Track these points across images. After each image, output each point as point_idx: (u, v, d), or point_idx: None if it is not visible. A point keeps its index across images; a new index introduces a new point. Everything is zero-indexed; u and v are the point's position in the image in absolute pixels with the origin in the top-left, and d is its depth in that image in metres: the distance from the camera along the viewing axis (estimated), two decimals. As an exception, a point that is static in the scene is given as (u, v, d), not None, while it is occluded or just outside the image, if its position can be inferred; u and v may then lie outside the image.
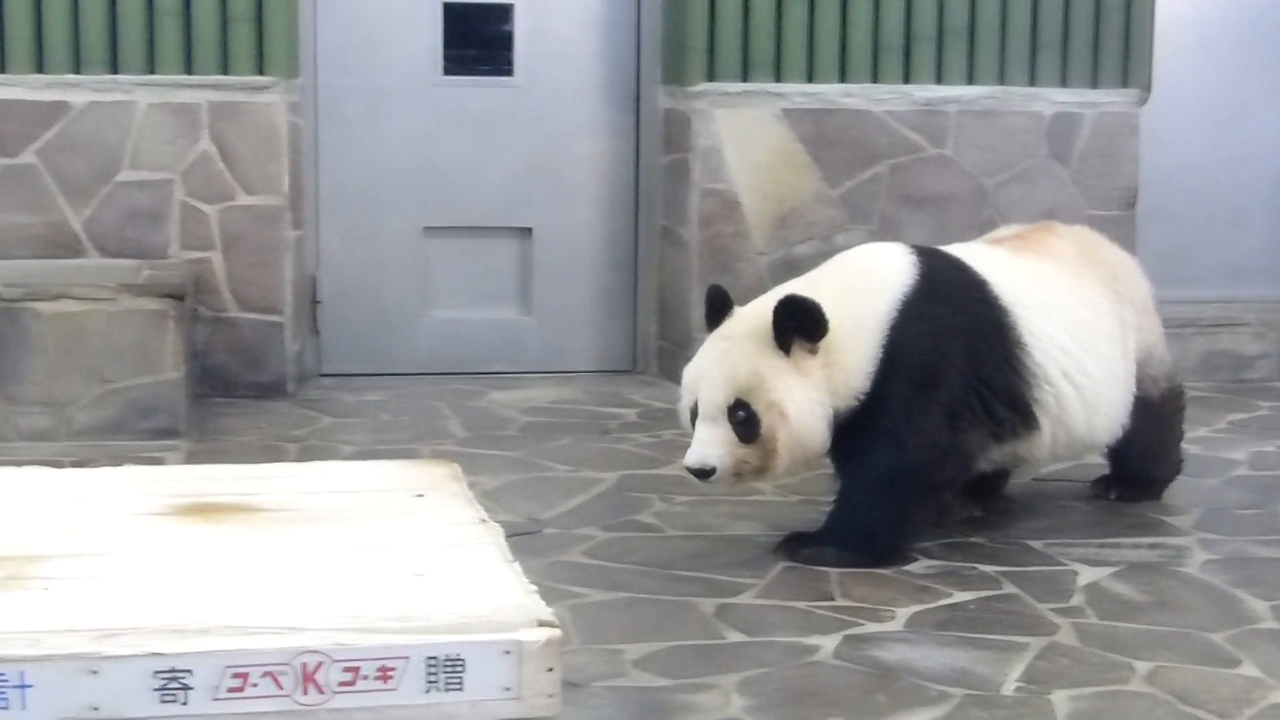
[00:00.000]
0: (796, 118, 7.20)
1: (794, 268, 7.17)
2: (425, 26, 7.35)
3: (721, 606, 4.33)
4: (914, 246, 4.81)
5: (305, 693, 3.11)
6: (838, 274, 4.66)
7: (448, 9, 7.36)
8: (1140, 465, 5.30)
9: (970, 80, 7.34)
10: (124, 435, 6.02)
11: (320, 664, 3.09)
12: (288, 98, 6.83)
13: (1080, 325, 4.84)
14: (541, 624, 3.21)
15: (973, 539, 4.98)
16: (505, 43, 7.42)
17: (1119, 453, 5.20)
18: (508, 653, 3.17)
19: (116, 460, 5.52)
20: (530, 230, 7.48)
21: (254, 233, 6.81)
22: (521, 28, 7.41)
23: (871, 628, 4.20)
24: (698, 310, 7.10)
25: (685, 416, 4.53)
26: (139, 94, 6.69)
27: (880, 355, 4.48)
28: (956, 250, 4.94)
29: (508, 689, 3.18)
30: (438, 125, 7.38)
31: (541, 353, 7.54)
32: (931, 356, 4.55)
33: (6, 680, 3.02)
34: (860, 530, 4.61)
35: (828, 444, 4.49)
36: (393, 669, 3.13)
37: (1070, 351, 4.78)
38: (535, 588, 3.42)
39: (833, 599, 4.42)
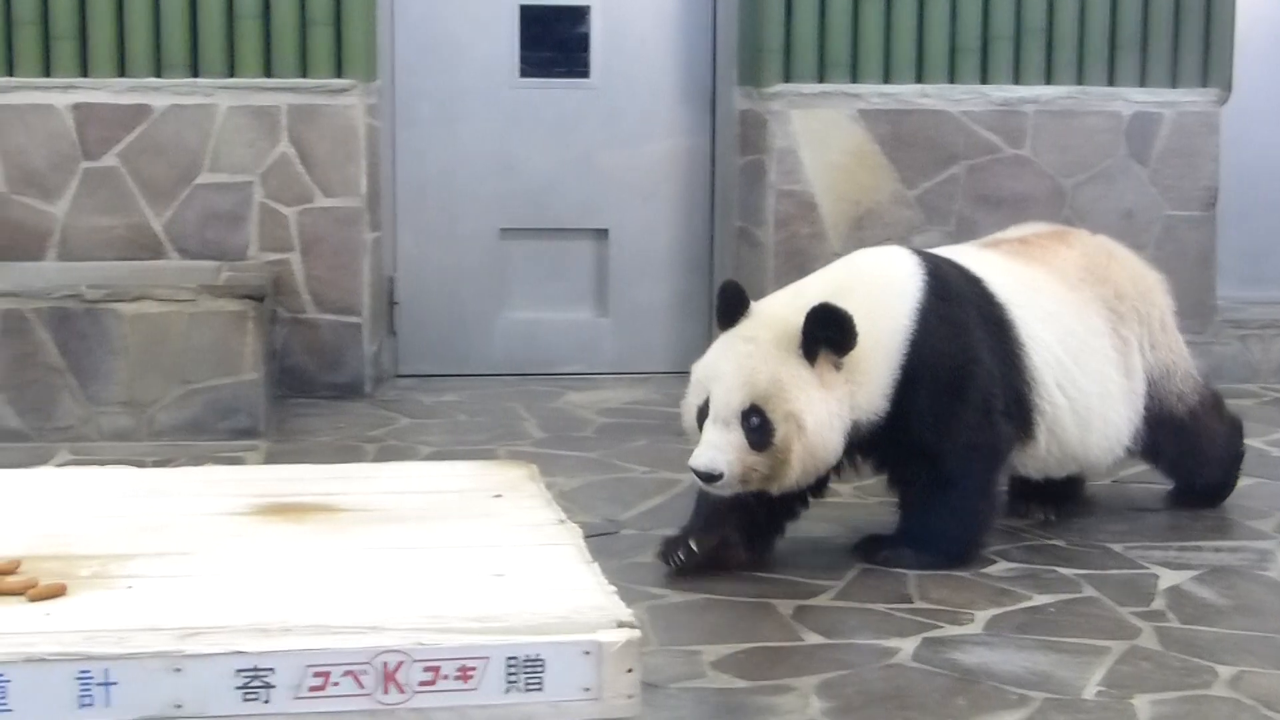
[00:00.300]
0: (873, 118, 7.17)
1: (870, 269, 7.16)
2: (502, 28, 7.37)
3: (799, 608, 4.32)
4: (914, 249, 4.74)
5: (386, 692, 3.12)
6: (854, 282, 4.53)
7: (524, 11, 7.38)
8: (1188, 478, 5.24)
9: (1048, 80, 7.30)
10: (204, 435, 6.08)
11: (401, 663, 3.11)
12: (366, 100, 6.87)
13: (1072, 338, 4.75)
14: (621, 625, 3.21)
15: (1052, 542, 4.95)
16: (581, 44, 7.44)
17: (1168, 472, 5.24)
18: (587, 653, 3.17)
19: (197, 460, 5.58)
20: (606, 231, 7.49)
21: (332, 234, 6.85)
22: (597, 29, 7.42)
23: (951, 630, 4.18)
24: (774, 311, 7.11)
25: (690, 414, 4.40)
26: (219, 97, 6.75)
27: (903, 366, 4.40)
28: (948, 251, 4.88)
29: (587, 689, 3.19)
30: (514, 127, 7.40)
31: (617, 354, 7.55)
32: (958, 359, 4.48)
33: (91, 677, 3.04)
34: (935, 533, 4.59)
35: (839, 456, 4.40)
36: (473, 669, 3.14)
37: (1063, 362, 4.69)
38: (614, 588, 3.43)
39: (911, 601, 4.40)
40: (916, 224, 7.20)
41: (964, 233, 7.19)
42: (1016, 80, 7.28)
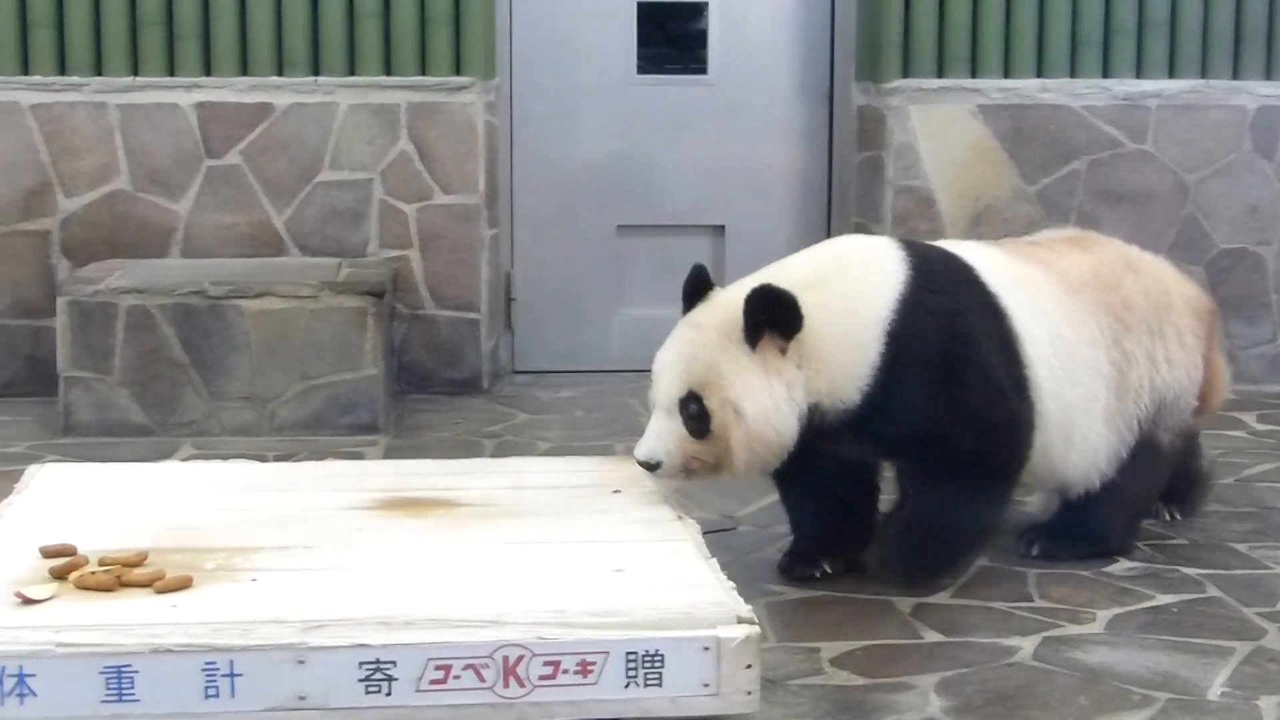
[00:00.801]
0: (993, 113, 7.12)
1: (990, 265, 7.11)
2: (619, 25, 7.38)
3: (918, 605, 4.29)
4: (902, 239, 4.50)
5: (506, 685, 3.15)
6: (833, 269, 4.26)
7: (641, 7, 7.38)
8: (1093, 515, 4.63)
9: (1171, 74, 7.20)
10: (325, 430, 6.13)
11: (521, 657, 3.13)
12: (484, 98, 6.91)
13: (1062, 342, 4.43)
14: (741, 621, 3.22)
15: (1174, 540, 4.89)
16: (699, 41, 7.43)
17: (1122, 498, 4.64)
18: (707, 649, 3.19)
19: (318, 455, 5.63)
20: (723, 228, 7.48)
21: (451, 231, 6.89)
22: (715, 25, 7.41)
23: (1072, 629, 4.14)
24: (891, 308, 7.07)
25: (651, 405, 4.23)
26: (340, 95, 6.81)
27: (882, 356, 4.14)
28: (942, 243, 4.61)
29: (706, 685, 3.20)
30: (631, 123, 7.41)
31: (734, 350, 7.51)
32: (949, 347, 4.21)
33: (216, 669, 3.09)
34: (956, 544, 4.39)
35: (791, 447, 4.11)
36: (593, 664, 3.16)
37: (1052, 366, 4.39)
38: (733, 584, 3.44)
39: (1031, 600, 4.36)
40: (1036, 220, 7.13)
41: (1086, 229, 7.11)
42: (1139, 74, 7.19)
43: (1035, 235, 5.15)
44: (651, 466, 4.08)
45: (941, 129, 7.10)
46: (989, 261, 4.46)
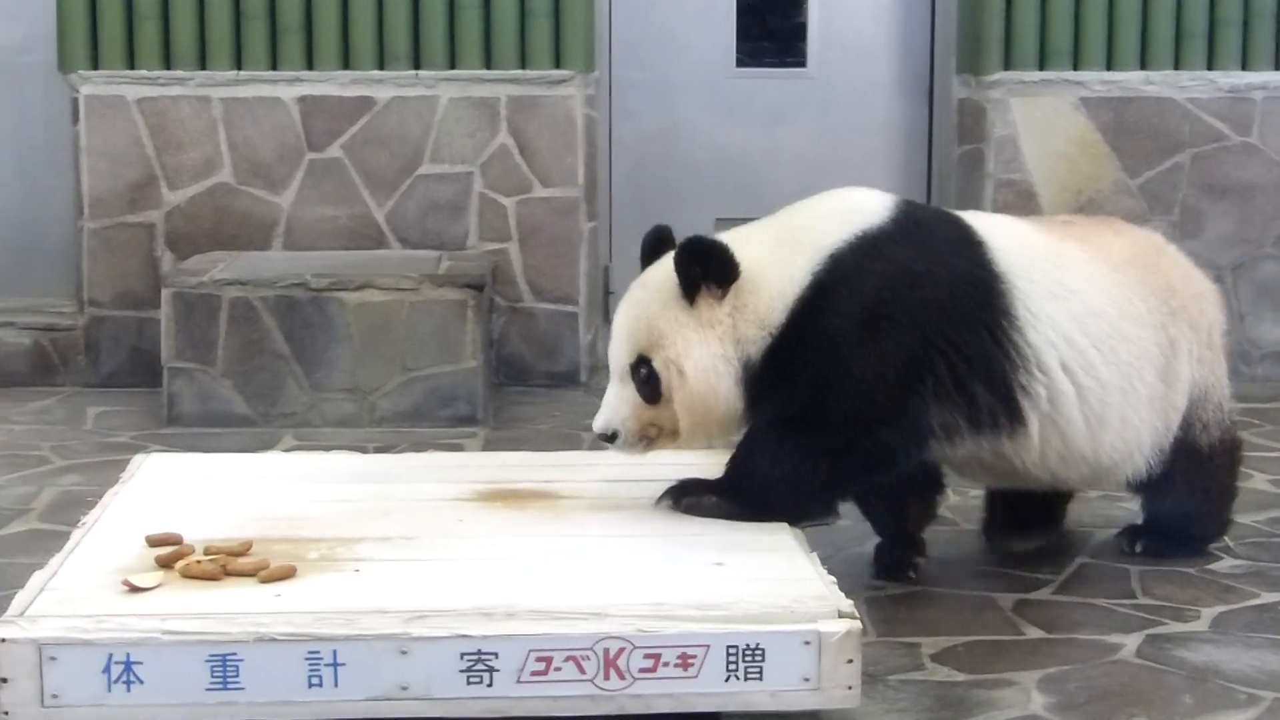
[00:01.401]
0: (1095, 106, 7.05)
1: (1091, 259, 7.04)
2: (719, 19, 7.37)
3: (1020, 602, 4.26)
4: (904, 199, 4.20)
5: (607, 677, 3.15)
6: (793, 212, 4.11)
7: (741, 1, 7.37)
8: (1178, 521, 4.53)
9: (1277, 65, 7.10)
10: (424, 422, 6.17)
11: (622, 650, 3.13)
12: (584, 91, 6.92)
13: (1098, 319, 4.19)
14: (842, 615, 3.21)
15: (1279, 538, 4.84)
16: (798, 34, 7.41)
17: (1153, 501, 4.52)
18: (808, 643, 3.17)
19: (417, 446, 5.66)
20: (822, 221, 7.45)
21: (550, 224, 6.91)
22: (814, 19, 7.39)
23: (1176, 627, 4.09)
24: (992, 302, 7.02)
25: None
26: (440, 89, 6.84)
27: (808, 284, 3.89)
28: (966, 213, 4.37)
29: (807, 679, 3.19)
30: (730, 117, 7.40)
31: (832, 344, 7.49)
32: (884, 297, 3.92)
33: (320, 658, 3.11)
34: (753, 477, 3.95)
35: (738, 405, 3.91)
36: (693, 657, 3.15)
37: (1077, 344, 4.13)
38: (834, 579, 3.43)
39: (1135, 597, 4.31)
40: (1139, 214, 7.06)
41: (1189, 223, 7.05)
42: (1244, 65, 7.10)
43: (1067, 216, 5.01)
44: (608, 438, 3.92)
45: (1043, 122, 7.04)
46: (1010, 239, 4.20)
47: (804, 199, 4.21)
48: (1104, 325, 4.21)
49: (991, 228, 4.22)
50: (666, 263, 3.93)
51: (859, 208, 4.05)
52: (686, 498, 3.95)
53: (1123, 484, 4.41)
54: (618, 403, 3.91)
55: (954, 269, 4.04)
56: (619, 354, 3.93)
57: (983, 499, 4.76)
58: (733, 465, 3.99)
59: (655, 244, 4.08)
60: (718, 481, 3.98)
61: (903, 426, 3.98)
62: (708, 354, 3.84)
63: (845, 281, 3.91)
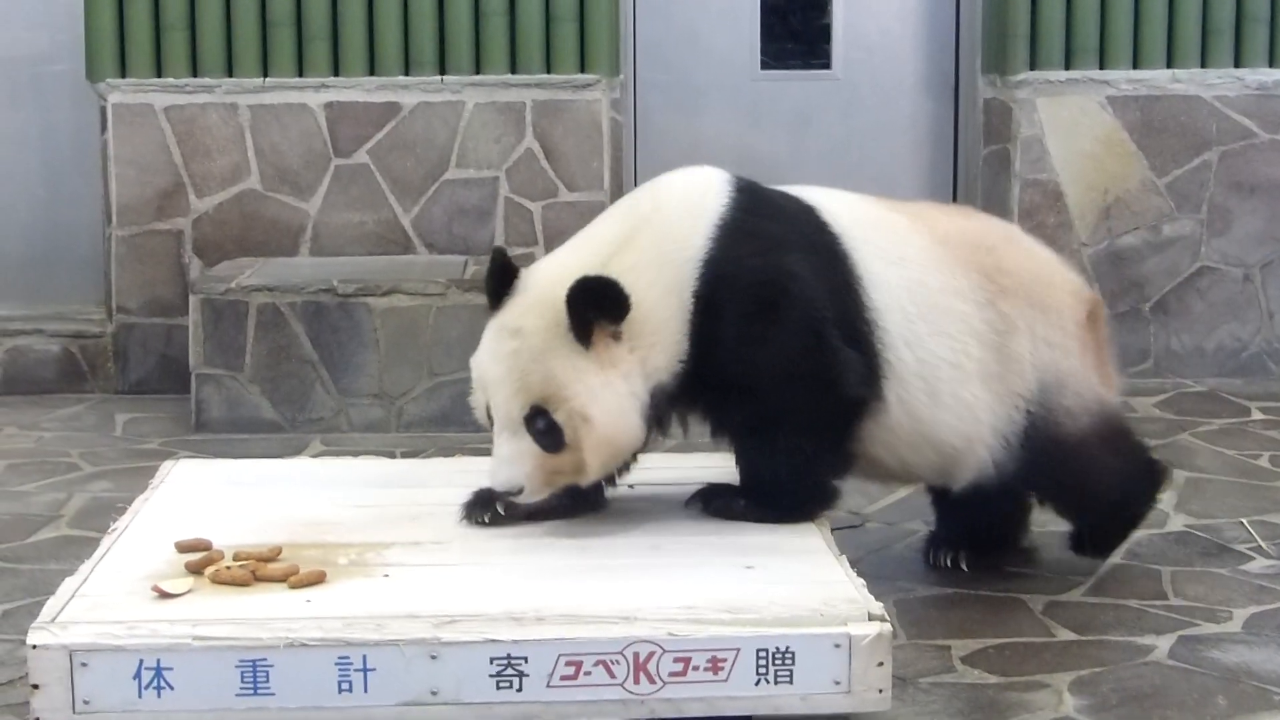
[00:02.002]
0: (1122, 105, 7.03)
1: (1119, 260, 7.03)
2: (743, 21, 7.37)
3: (1050, 603, 4.25)
4: (731, 175, 4.00)
5: (637, 682, 3.15)
6: (640, 227, 3.85)
7: (765, 3, 7.37)
8: (1072, 516, 4.42)
9: (1306, 63, 7.09)
10: (452, 427, 6.16)
11: (652, 654, 3.13)
12: (609, 95, 6.92)
13: (923, 290, 4.04)
14: (872, 618, 3.20)
15: (1313, 538, 4.81)
16: (823, 35, 7.40)
17: (1053, 507, 4.42)
18: (838, 646, 3.17)
19: (445, 451, 5.67)
20: (848, 223, 7.44)
21: (576, 228, 6.87)
22: (839, 20, 7.38)
23: (1208, 628, 4.07)
24: (1019, 303, 7.00)
25: (479, 412, 3.86)
26: (466, 94, 6.85)
27: (696, 296, 3.77)
28: (788, 187, 4.18)
29: (838, 682, 3.18)
30: (755, 119, 7.40)
31: (859, 346, 7.48)
32: (768, 274, 3.82)
33: (350, 663, 3.12)
34: (766, 483, 3.89)
35: (644, 434, 3.78)
36: (724, 660, 3.15)
37: (909, 313, 3.98)
38: (864, 581, 3.42)
39: (1166, 598, 4.30)
40: (1166, 213, 7.04)
41: (1216, 221, 7.02)
42: (1272, 63, 7.07)
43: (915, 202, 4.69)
44: (514, 494, 3.71)
45: (1069, 121, 7.02)
46: (840, 204, 4.09)
47: (630, 196, 4.05)
48: (928, 296, 4.04)
49: (819, 196, 4.10)
50: (538, 302, 3.73)
51: (707, 198, 3.88)
52: (716, 501, 3.93)
53: (970, 476, 4.15)
54: (517, 456, 3.67)
55: (806, 235, 3.94)
56: (508, 408, 3.69)
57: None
58: (749, 471, 3.95)
59: (500, 272, 3.85)
60: (743, 485, 3.94)
61: (844, 377, 3.89)
62: (614, 397, 3.67)
63: (730, 286, 3.80)
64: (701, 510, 3.91)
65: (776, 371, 3.83)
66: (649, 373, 3.74)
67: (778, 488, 3.87)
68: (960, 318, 4.07)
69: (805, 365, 3.85)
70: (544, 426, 3.65)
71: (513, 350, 3.69)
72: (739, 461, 3.96)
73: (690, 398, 3.87)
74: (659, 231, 3.81)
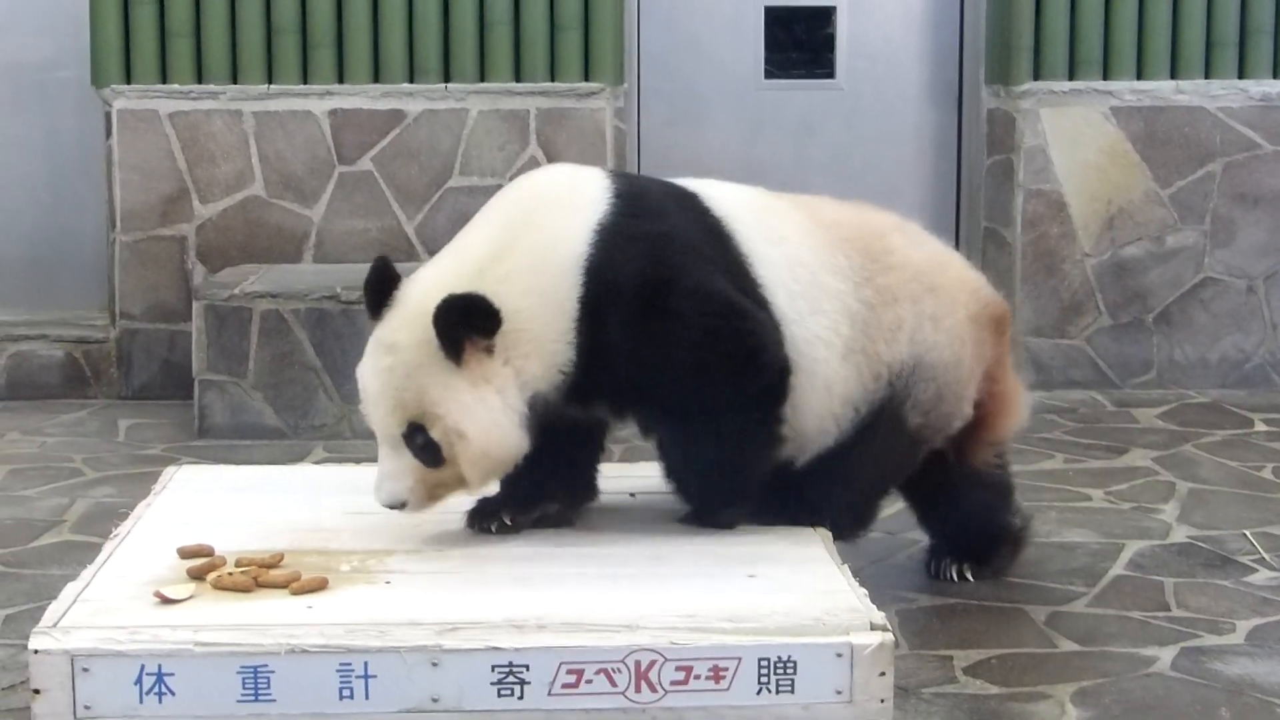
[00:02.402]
0: (1126, 116, 7.03)
1: (1122, 270, 7.02)
2: (747, 30, 7.37)
3: (1053, 614, 4.25)
4: (604, 171, 3.94)
5: (638, 690, 3.15)
6: (512, 226, 3.76)
7: (769, 12, 7.37)
8: (816, 491, 4.01)
9: (1310, 74, 7.09)
10: (455, 435, 6.16)
11: (654, 662, 3.13)
12: (613, 103, 6.93)
13: (802, 268, 3.93)
14: (874, 627, 3.19)
15: (1316, 550, 4.81)
16: (827, 45, 7.40)
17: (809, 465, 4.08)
18: (840, 655, 3.16)
19: (448, 459, 5.65)
20: (852, 233, 7.44)
21: (579, 236, 6.90)
22: (843, 29, 7.38)
23: (1211, 640, 4.07)
24: (1021, 314, 7.01)
25: (368, 422, 3.81)
26: (470, 102, 6.86)
27: (582, 302, 3.68)
28: (662, 177, 4.13)
29: (839, 692, 3.18)
30: (759, 129, 7.40)
31: (863, 356, 7.48)
32: (649, 275, 3.72)
33: (351, 670, 3.12)
34: (700, 482, 3.86)
35: (525, 445, 3.68)
36: (725, 669, 3.15)
37: (791, 291, 3.88)
38: (866, 591, 3.41)
39: (1169, 609, 4.29)
40: (1170, 224, 7.04)
41: (1220, 232, 7.02)
42: (1276, 74, 7.07)
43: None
44: (397, 508, 3.70)
45: (1073, 132, 7.02)
46: (718, 189, 4.01)
47: (504, 196, 3.92)
48: (806, 274, 3.95)
49: (695, 183, 4.02)
50: (413, 317, 3.66)
51: (583, 199, 3.78)
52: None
53: (815, 450, 4.01)
54: (399, 471, 3.66)
55: (688, 224, 3.85)
56: (387, 424, 3.66)
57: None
58: (679, 464, 3.87)
59: (380, 282, 3.77)
60: (671, 478, 3.90)
61: (764, 344, 3.80)
62: (488, 412, 3.62)
63: (612, 292, 3.70)
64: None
65: (684, 368, 3.74)
66: (525, 383, 3.67)
67: (704, 480, 3.84)
68: (835, 295, 3.98)
69: (715, 349, 3.74)
70: (422, 443, 3.62)
71: (388, 366, 3.65)
72: (664, 459, 3.90)
73: (585, 402, 3.77)
74: (535, 237, 3.72)
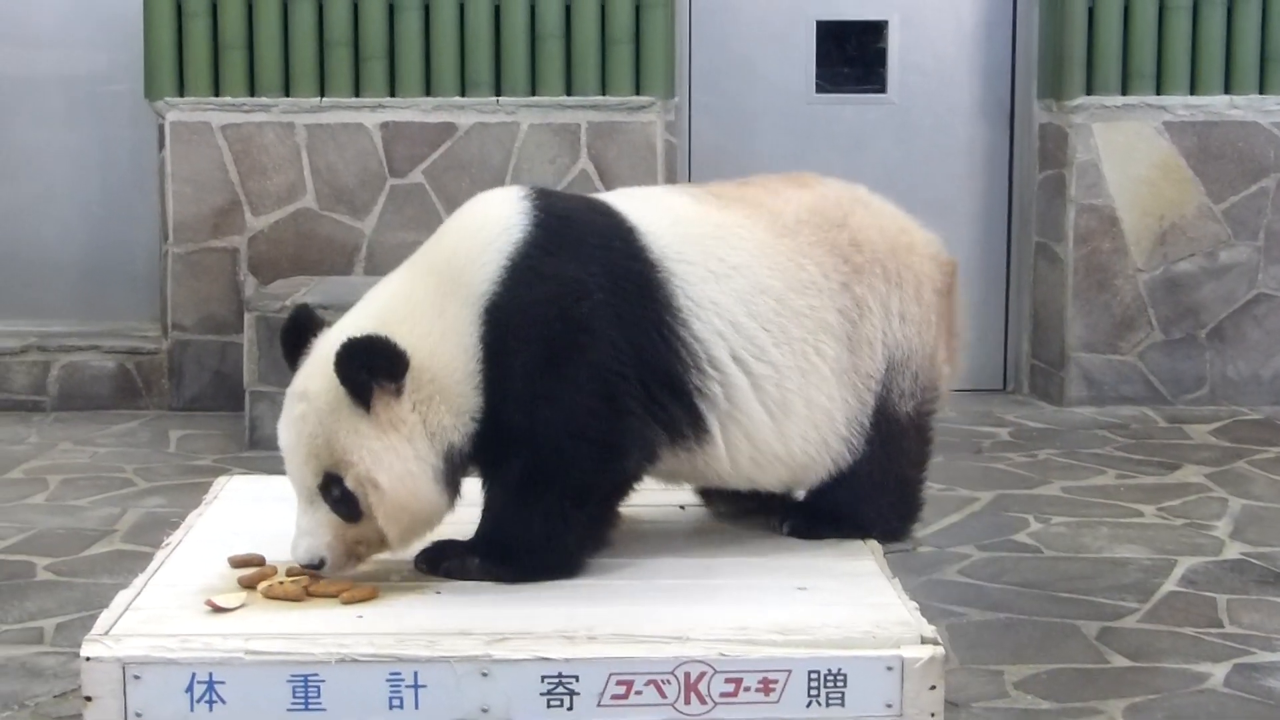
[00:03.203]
0: (1179, 130, 6.99)
1: (1175, 286, 6.99)
2: (798, 45, 7.37)
3: (1104, 629, 4.22)
4: (537, 190, 3.67)
5: (687, 702, 3.13)
6: (433, 261, 3.56)
7: (821, 27, 7.36)
8: (842, 494, 3.81)
9: (1364, 89, 7.04)
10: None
11: (703, 674, 3.11)
12: (664, 117, 6.93)
13: (765, 296, 3.70)
14: (925, 641, 3.17)
15: (1370, 568, 4.77)
16: (878, 60, 7.39)
17: (833, 479, 3.82)
18: (890, 669, 3.14)
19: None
20: (902, 247, 7.42)
21: (629, 250, 6.91)
22: (895, 44, 7.37)
23: (1264, 657, 4.04)
24: (1073, 329, 6.98)
25: None
26: (521, 115, 6.87)
27: (483, 343, 3.49)
28: (614, 195, 3.81)
29: (889, 705, 3.15)
30: (810, 143, 7.39)
31: (912, 370, 7.46)
32: (556, 327, 3.52)
33: (401, 680, 3.11)
34: (509, 541, 3.60)
35: (444, 500, 3.49)
36: (775, 682, 3.13)
37: (745, 329, 3.67)
38: (916, 604, 3.39)
39: (1222, 626, 4.27)
40: (1223, 238, 7.00)
41: (1274, 248, 6.98)
42: (1331, 90, 7.04)
43: (751, 178, 4.21)
44: (315, 567, 3.47)
45: (1125, 147, 6.99)
46: (664, 219, 3.73)
47: (443, 227, 3.66)
48: (771, 302, 3.71)
49: (642, 209, 3.73)
50: (322, 368, 3.46)
51: (494, 230, 3.54)
52: (447, 561, 3.59)
53: (824, 474, 3.76)
54: (316, 528, 3.46)
55: (611, 266, 3.60)
56: (302, 477, 3.48)
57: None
58: (487, 527, 3.61)
59: (296, 332, 3.58)
60: (476, 543, 3.60)
61: (627, 449, 3.59)
62: (399, 461, 3.43)
63: (515, 334, 3.50)
64: (429, 571, 3.57)
65: (559, 429, 3.54)
66: (435, 432, 3.47)
67: (524, 547, 3.58)
68: (810, 314, 3.74)
69: (590, 428, 3.56)
70: (339, 495, 3.42)
71: (300, 415, 3.48)
72: (487, 513, 3.62)
73: (476, 463, 3.54)
74: (446, 275, 3.51)
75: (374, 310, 3.53)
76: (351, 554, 3.47)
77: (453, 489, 3.48)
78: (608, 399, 3.54)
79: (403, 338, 3.39)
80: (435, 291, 3.47)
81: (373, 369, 3.37)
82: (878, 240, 3.83)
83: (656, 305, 3.59)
